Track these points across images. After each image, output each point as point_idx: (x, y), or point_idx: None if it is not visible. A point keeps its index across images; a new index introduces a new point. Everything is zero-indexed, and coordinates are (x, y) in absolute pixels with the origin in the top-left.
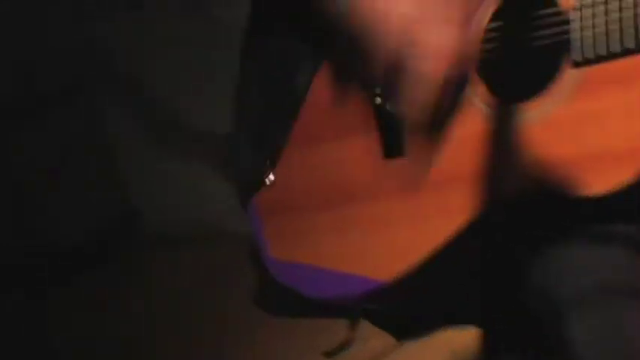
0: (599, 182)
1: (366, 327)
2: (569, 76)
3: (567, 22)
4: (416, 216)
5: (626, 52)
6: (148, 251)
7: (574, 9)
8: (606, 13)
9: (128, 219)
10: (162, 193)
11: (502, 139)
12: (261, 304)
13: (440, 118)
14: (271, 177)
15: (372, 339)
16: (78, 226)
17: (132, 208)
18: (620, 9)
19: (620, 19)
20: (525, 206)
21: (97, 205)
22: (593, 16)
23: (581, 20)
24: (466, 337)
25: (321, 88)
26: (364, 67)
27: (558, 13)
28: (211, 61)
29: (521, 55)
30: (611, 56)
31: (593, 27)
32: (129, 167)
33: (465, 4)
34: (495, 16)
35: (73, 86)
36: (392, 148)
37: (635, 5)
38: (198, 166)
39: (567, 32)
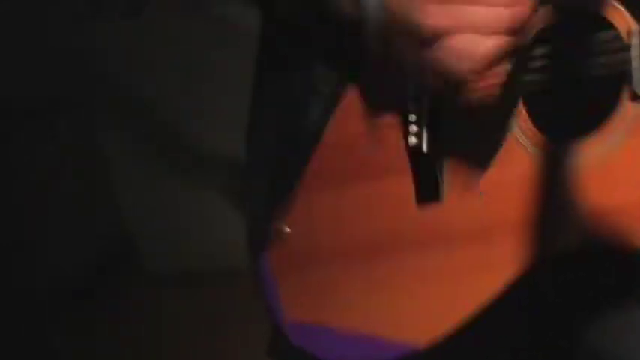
0: None
1: None
2: (629, 111)
3: (626, 48)
4: (456, 271)
5: None
6: (144, 288)
7: (633, 33)
8: None
9: (125, 253)
10: (162, 224)
11: (551, 184)
12: (273, 355)
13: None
14: (286, 229)
15: None
16: (68, 261)
17: (129, 241)
18: None
19: None
20: (578, 259)
21: (91, 237)
22: None
23: None
24: None
25: (340, 124)
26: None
27: (616, 39)
28: (217, 69)
29: (572, 86)
30: None
31: None
32: (126, 194)
33: None
34: (540, 41)
35: (66, 100)
36: (427, 191)
37: None
38: (204, 193)
39: (626, 60)
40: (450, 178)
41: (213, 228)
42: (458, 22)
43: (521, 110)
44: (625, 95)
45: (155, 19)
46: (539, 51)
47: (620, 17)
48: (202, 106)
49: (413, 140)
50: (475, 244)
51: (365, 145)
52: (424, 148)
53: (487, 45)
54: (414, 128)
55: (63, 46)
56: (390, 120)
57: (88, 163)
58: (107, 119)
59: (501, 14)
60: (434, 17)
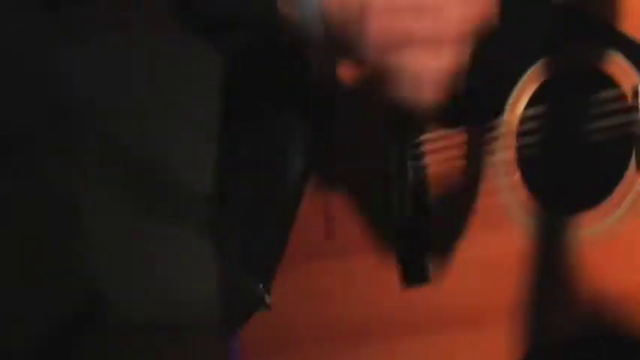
0: None
1: None
2: (634, 181)
3: (632, 109)
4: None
5: None
6: (111, 342)
7: None
8: None
9: (91, 303)
10: (131, 272)
11: (548, 262)
12: None
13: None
14: (267, 300)
15: None
16: (29, 317)
17: (95, 291)
18: None
19: None
20: (578, 347)
21: (54, 289)
22: None
23: None
24: None
25: (320, 190)
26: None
27: (620, 98)
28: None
29: (572, 152)
30: None
31: None
32: (94, 238)
33: None
34: (536, 100)
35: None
36: (414, 273)
37: None
38: (175, 240)
39: (632, 123)
40: (437, 256)
41: (189, 277)
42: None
43: (515, 177)
44: (631, 163)
45: (131, 45)
46: (533, 111)
47: (624, 73)
48: (179, 139)
49: (395, 210)
50: (465, 330)
51: (346, 217)
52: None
53: (441, 61)
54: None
55: (34, 72)
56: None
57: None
58: (79, 164)
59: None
60: (375, 35)
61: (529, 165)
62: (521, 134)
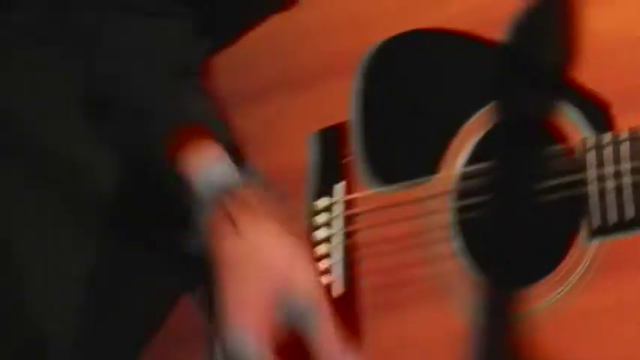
0: None
1: None
2: (586, 249)
3: (582, 168)
4: None
5: None
6: None
7: (589, 148)
8: (634, 156)
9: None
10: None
11: (493, 340)
12: None
13: None
14: None
15: None
16: None
17: (37, 334)
18: None
19: None
20: None
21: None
22: (617, 160)
23: (600, 166)
24: None
25: None
26: None
27: (568, 153)
28: None
29: (515, 216)
30: None
31: (618, 176)
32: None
33: None
34: (477, 155)
35: None
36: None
37: None
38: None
39: (581, 183)
40: (370, 330)
41: None
42: None
43: (454, 244)
44: (582, 228)
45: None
46: (475, 169)
47: (572, 126)
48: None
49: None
50: None
51: None
52: (339, 287)
53: None
54: (325, 263)
55: None
56: None
57: None
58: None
59: None
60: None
61: (470, 230)
62: (460, 194)
